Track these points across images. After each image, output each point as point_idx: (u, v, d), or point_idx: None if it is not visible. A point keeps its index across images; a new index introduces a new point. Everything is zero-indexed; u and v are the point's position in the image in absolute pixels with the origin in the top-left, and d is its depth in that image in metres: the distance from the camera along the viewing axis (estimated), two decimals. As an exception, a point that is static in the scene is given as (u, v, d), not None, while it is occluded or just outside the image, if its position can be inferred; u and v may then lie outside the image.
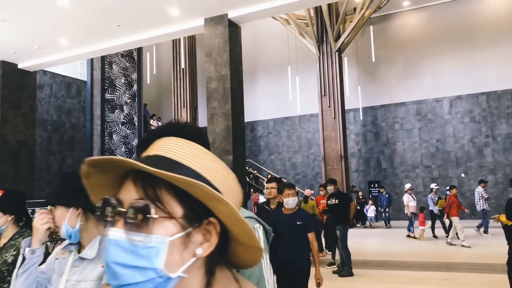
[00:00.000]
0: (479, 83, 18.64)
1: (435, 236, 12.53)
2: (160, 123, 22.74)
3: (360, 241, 12.88)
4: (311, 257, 4.49)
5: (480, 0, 18.96)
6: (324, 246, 10.54)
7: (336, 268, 8.27)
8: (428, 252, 10.30)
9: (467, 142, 18.79)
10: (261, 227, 2.13)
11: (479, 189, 12.52)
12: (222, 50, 10.74)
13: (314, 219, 4.73)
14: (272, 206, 4.72)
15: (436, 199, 12.61)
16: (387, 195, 16.86)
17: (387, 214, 16.71)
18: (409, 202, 13.10)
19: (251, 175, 19.87)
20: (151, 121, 23.32)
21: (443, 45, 19.31)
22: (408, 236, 13.03)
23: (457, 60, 19.04)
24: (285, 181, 20.51)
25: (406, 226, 13.36)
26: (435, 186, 13.32)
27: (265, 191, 4.76)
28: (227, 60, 10.65)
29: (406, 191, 13.53)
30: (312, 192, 11.23)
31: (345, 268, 7.84)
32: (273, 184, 4.69)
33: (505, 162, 17.92)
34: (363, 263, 9.06)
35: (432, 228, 12.69)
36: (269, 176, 18.87)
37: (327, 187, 8.33)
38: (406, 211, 13.31)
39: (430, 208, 12.79)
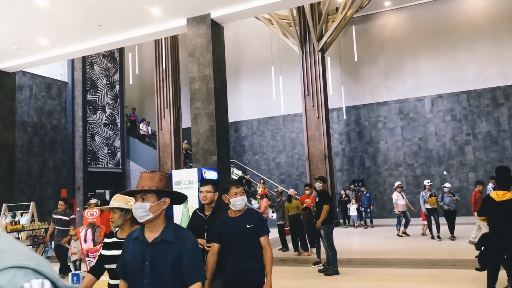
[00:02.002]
0: (459, 82, 18.94)
1: (438, 237, 11.54)
2: (149, 128, 22.50)
3: (345, 239, 12.95)
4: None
5: (460, 1, 19.26)
6: (309, 245, 10.57)
7: (322, 267, 8.29)
8: (413, 249, 10.40)
9: (448, 140, 19.07)
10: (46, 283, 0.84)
11: (490, 186, 11.24)
12: (205, 50, 10.69)
13: (265, 221, 3.89)
14: (207, 213, 4.09)
15: (428, 196, 11.82)
16: (367, 194, 16.47)
17: (368, 213, 16.33)
18: (398, 200, 12.75)
19: (243, 180, 19.80)
20: (141, 126, 23.04)
21: (424, 45, 19.57)
22: (399, 235, 12.74)
23: (438, 59, 19.31)
24: (270, 181, 20.53)
25: (393, 224, 13.40)
26: (429, 182, 12.21)
27: (201, 196, 4.12)
28: (210, 60, 10.61)
29: (395, 189, 13.15)
30: (296, 192, 11.21)
31: (330, 267, 7.86)
32: (208, 187, 4.08)
33: (486, 160, 18.24)
34: (348, 261, 9.10)
35: (429, 227, 11.91)
36: (262, 180, 18.81)
37: (316, 184, 8.30)
38: (395, 209, 12.95)
39: (422, 207, 12.01)
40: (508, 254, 5.67)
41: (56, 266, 9.17)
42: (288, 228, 11.10)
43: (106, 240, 3.54)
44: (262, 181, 18.64)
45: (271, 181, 21.25)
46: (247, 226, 3.52)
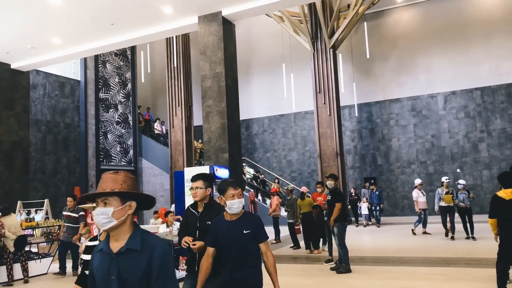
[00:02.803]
0: (473, 79, 18.69)
1: (452, 238, 11.22)
2: (163, 127, 22.57)
3: (357, 237, 12.89)
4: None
5: (474, -5, 19.00)
6: (321, 243, 10.54)
7: (334, 265, 8.26)
8: (426, 247, 10.31)
9: (462, 137, 18.85)
10: None
11: None
12: (216, 48, 10.70)
13: (263, 226, 3.49)
14: (200, 209, 3.84)
15: (444, 193, 11.38)
16: (377, 192, 16.03)
17: (377, 212, 15.92)
18: (419, 198, 12.51)
19: (258, 179, 19.78)
20: (155, 125, 23.09)
21: (437, 41, 19.35)
22: (414, 232, 12.59)
23: (451, 55, 19.08)
24: (281, 178, 20.50)
25: (405, 222, 13.28)
26: (447, 179, 11.77)
27: (191, 191, 3.87)
28: (222, 58, 10.61)
29: (415, 187, 12.76)
30: (308, 190, 11.17)
31: (342, 265, 7.83)
32: (199, 183, 3.77)
33: (500, 157, 17.99)
34: (360, 259, 9.07)
35: (444, 225, 11.52)
36: (276, 180, 18.73)
37: (327, 181, 8.24)
38: (415, 207, 12.66)
39: (437, 205, 11.60)
40: (507, 255, 5.51)
41: (55, 265, 9.30)
42: (299, 226, 11.10)
43: (88, 243, 3.50)
44: (276, 180, 18.53)
45: (283, 178, 21.22)
46: (244, 231, 3.24)
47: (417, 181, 13.03)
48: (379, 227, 15.46)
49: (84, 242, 8.31)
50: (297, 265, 9.08)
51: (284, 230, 12.28)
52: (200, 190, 3.76)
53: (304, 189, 10.86)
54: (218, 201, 3.44)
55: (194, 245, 3.60)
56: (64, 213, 9.16)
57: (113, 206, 2.03)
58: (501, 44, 18.27)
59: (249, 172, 20.79)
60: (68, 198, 9.22)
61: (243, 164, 20.57)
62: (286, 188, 13.32)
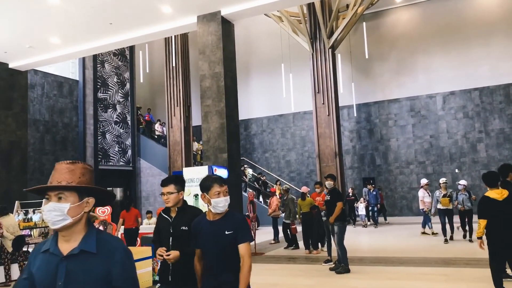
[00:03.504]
0: (471, 79, 18.71)
1: (451, 238, 10.94)
2: (164, 129, 22.51)
3: (355, 237, 12.88)
4: None
5: (472, -4, 19.02)
6: (320, 243, 10.53)
7: (333, 265, 8.24)
8: (425, 248, 10.30)
9: (460, 137, 18.86)
10: None
11: None
12: (215, 48, 10.68)
13: (248, 226, 3.24)
14: (173, 214, 3.60)
15: (441, 196, 10.94)
16: (374, 192, 15.85)
17: (375, 212, 15.78)
18: (425, 198, 12.28)
19: (260, 181, 19.70)
20: (156, 126, 22.97)
21: (436, 41, 19.36)
22: (424, 233, 12.42)
23: (450, 56, 19.10)
24: (281, 179, 20.46)
25: (404, 223, 13.27)
26: (444, 181, 11.28)
27: (163, 198, 3.63)
28: (221, 58, 10.59)
29: (422, 187, 12.46)
30: (309, 189, 11.14)
31: (341, 265, 7.81)
32: (170, 188, 3.53)
33: (499, 157, 18.01)
34: (360, 259, 9.05)
35: (442, 229, 10.94)
36: (278, 182, 18.66)
37: (326, 182, 8.23)
38: (421, 207, 12.37)
39: (434, 208, 11.36)
40: (502, 253, 5.53)
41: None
42: (295, 226, 11.08)
43: None
44: (278, 182, 18.48)
45: (281, 179, 21.20)
46: (226, 232, 3.00)
47: (423, 181, 12.75)
48: (376, 227, 15.40)
49: None
50: (296, 265, 9.07)
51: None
52: (172, 195, 3.52)
53: (304, 189, 10.85)
54: (201, 199, 3.17)
55: (168, 255, 3.35)
56: None
57: (69, 202, 1.77)
58: (500, 45, 18.29)
59: (249, 173, 20.74)
60: None
61: (244, 165, 20.58)
62: (282, 188, 13.28)
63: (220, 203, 3.05)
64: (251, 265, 2.99)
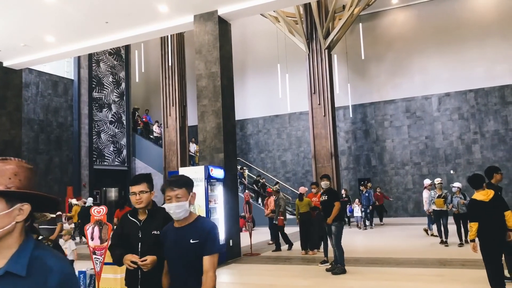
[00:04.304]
0: (467, 81, 18.79)
1: (445, 243, 10.62)
2: (161, 129, 22.39)
3: (352, 238, 12.87)
4: None
5: (468, -2, 19.11)
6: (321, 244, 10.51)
7: (329, 266, 8.22)
8: (421, 249, 10.31)
9: (455, 139, 18.93)
10: None
11: None
12: (212, 47, 10.63)
13: (216, 237, 2.76)
14: (141, 217, 3.20)
15: (436, 197, 10.70)
16: (367, 194, 15.59)
17: (367, 214, 15.52)
18: (429, 199, 11.76)
19: (259, 183, 19.58)
20: (154, 128, 22.78)
21: (432, 43, 19.42)
22: (434, 235, 12.01)
23: (446, 57, 19.17)
24: (276, 179, 20.43)
25: (400, 224, 13.23)
26: (439, 181, 11.01)
27: (133, 198, 3.21)
28: (217, 57, 10.55)
29: (425, 187, 12.18)
30: (306, 189, 11.11)
31: (338, 266, 7.79)
32: (143, 186, 3.15)
33: (493, 159, 18.08)
34: (356, 260, 9.04)
35: (438, 231, 10.90)
36: (277, 185, 18.51)
37: (322, 182, 8.21)
38: (425, 208, 11.94)
39: (427, 205, 11.28)
40: (496, 252, 5.58)
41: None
42: (281, 218, 11.04)
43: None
44: (277, 185, 18.35)
45: (277, 179, 21.19)
46: (191, 241, 2.66)
47: (427, 181, 12.47)
48: (369, 228, 15.16)
49: (63, 245, 7.83)
50: (292, 266, 9.04)
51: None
52: (145, 195, 3.14)
53: (302, 189, 10.82)
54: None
55: (144, 260, 2.94)
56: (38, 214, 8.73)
57: None
58: (495, 47, 18.38)
59: (248, 175, 20.65)
60: None
61: (244, 167, 20.52)
62: (268, 188, 13.21)
63: (170, 209, 2.69)
64: (215, 282, 2.61)
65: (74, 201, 14.32)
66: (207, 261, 2.64)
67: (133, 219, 3.23)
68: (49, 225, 8.26)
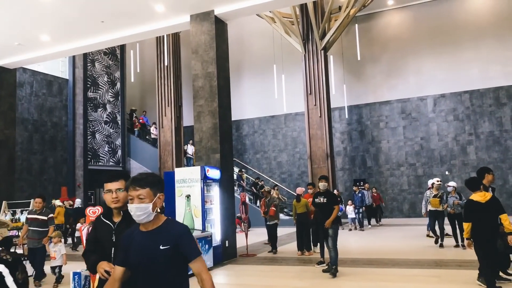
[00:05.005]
0: (462, 82, 18.87)
1: (441, 245, 10.43)
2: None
3: (347, 239, 12.86)
4: None
5: (463, 0, 19.20)
6: (312, 244, 10.48)
7: (326, 267, 8.18)
8: (417, 249, 10.30)
9: (450, 140, 18.99)
10: None
11: None
12: (208, 47, 10.59)
13: (192, 238, 2.51)
14: (116, 219, 2.92)
15: (431, 197, 10.44)
16: (360, 194, 15.42)
17: (360, 215, 15.28)
18: (424, 199, 11.38)
19: (257, 186, 19.44)
20: (152, 129, 22.53)
21: (427, 44, 19.49)
22: (428, 235, 11.85)
23: (441, 59, 19.23)
24: (271, 180, 20.38)
25: (395, 224, 13.20)
26: (438, 181, 10.71)
27: (108, 197, 2.94)
28: (214, 57, 10.50)
29: (429, 188, 11.55)
30: (303, 190, 11.06)
31: (333, 267, 7.73)
32: (120, 184, 2.88)
33: (488, 160, 18.16)
34: (352, 261, 9.02)
35: (433, 230, 10.78)
36: (276, 187, 18.25)
37: (320, 183, 8.15)
38: (423, 211, 11.54)
39: (424, 208, 10.94)
40: (491, 252, 5.87)
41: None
42: (273, 208, 10.78)
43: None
44: (276, 187, 18.25)
45: (272, 180, 21.16)
46: (161, 247, 2.37)
47: (431, 181, 11.77)
48: (362, 230, 14.91)
49: (53, 248, 7.72)
50: (288, 266, 9.01)
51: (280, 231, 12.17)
52: (123, 193, 2.85)
53: (299, 190, 10.79)
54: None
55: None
56: (30, 216, 8.07)
57: None
58: (490, 49, 18.47)
59: (247, 177, 20.56)
60: (37, 199, 8.06)
61: (242, 170, 20.46)
62: (263, 189, 13.11)
63: (131, 210, 2.42)
64: (212, 281, 2.42)
65: (57, 202, 13.94)
66: (196, 266, 2.42)
67: (107, 221, 2.95)
68: (41, 227, 7.91)
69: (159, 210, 2.53)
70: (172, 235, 2.42)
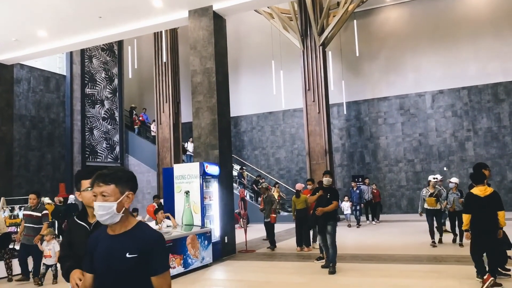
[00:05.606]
0: (460, 78, 18.86)
1: (440, 241, 10.26)
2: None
3: (346, 236, 12.87)
4: None
5: (462, -5, 19.15)
6: (311, 239, 10.48)
7: (325, 262, 8.15)
8: (417, 245, 10.32)
9: (449, 136, 19.01)
10: None
11: None
12: (207, 43, 10.55)
13: (165, 248, 2.19)
14: (92, 220, 2.71)
15: (428, 195, 10.11)
16: (357, 191, 15.32)
17: (357, 212, 15.14)
18: (420, 198, 10.92)
19: (259, 183, 19.33)
20: (152, 127, 22.34)
21: (425, 40, 19.46)
22: (445, 230, 11.14)
23: (439, 55, 19.22)
24: (270, 176, 20.34)
25: (393, 220, 13.21)
26: (434, 178, 10.42)
27: (88, 194, 2.70)
28: (212, 53, 10.47)
29: (435, 183, 11.01)
30: (303, 186, 11.03)
31: (331, 264, 7.70)
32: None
33: (486, 156, 18.18)
34: (352, 257, 9.04)
35: (430, 231, 10.15)
36: (277, 185, 18.16)
37: (324, 178, 8.11)
38: (419, 211, 11.05)
39: (421, 207, 10.49)
40: (489, 247, 6.06)
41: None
42: (274, 215, 10.77)
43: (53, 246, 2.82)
44: (277, 185, 18.21)
45: (271, 176, 21.16)
46: (128, 255, 2.07)
47: (438, 177, 11.27)
48: (359, 227, 14.82)
49: (46, 246, 7.63)
50: (288, 262, 9.01)
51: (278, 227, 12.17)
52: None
53: (299, 186, 10.77)
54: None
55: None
56: (25, 212, 8.02)
57: None
58: (488, 45, 18.45)
59: (246, 174, 20.52)
60: (31, 195, 7.90)
61: (243, 167, 20.43)
62: (260, 186, 13.08)
63: (94, 209, 2.15)
64: None
65: (46, 199, 13.67)
66: (156, 281, 2.09)
67: (82, 223, 2.72)
68: (35, 224, 7.82)
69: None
70: (142, 242, 2.11)
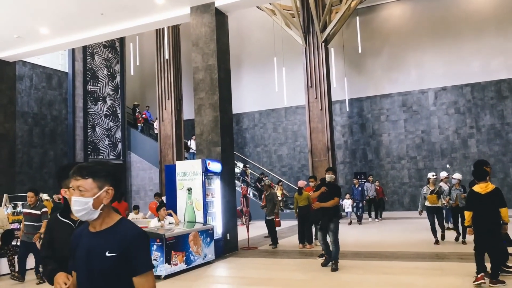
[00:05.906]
0: (463, 75, 18.78)
1: (442, 237, 10.11)
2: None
3: (348, 233, 12.85)
4: None
5: (465, -9, 19.05)
6: (314, 236, 10.47)
7: (324, 260, 8.10)
8: (419, 242, 10.29)
9: (452, 133, 18.95)
10: None
11: None
12: (209, 40, 10.52)
13: (147, 246, 2.01)
14: (76, 217, 2.47)
15: (429, 192, 9.94)
16: (359, 188, 15.23)
17: (359, 209, 15.05)
18: (421, 195, 10.83)
19: (262, 181, 19.27)
20: (155, 125, 22.25)
21: (428, 37, 19.38)
22: (448, 228, 11.24)
23: (442, 51, 19.14)
24: (272, 173, 20.32)
25: (395, 218, 13.20)
26: (433, 175, 10.27)
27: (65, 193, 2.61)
28: (214, 50, 10.44)
29: (441, 180, 10.94)
30: (305, 183, 11.01)
31: (333, 262, 7.68)
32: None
33: (489, 153, 18.13)
34: (354, 254, 9.03)
35: (432, 229, 10.00)
36: (280, 183, 18.14)
37: (327, 175, 8.10)
38: (419, 210, 10.91)
39: (421, 206, 10.30)
40: (491, 245, 6.05)
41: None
42: (278, 219, 10.74)
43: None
44: (280, 183, 18.15)
45: (273, 173, 21.14)
46: (108, 254, 1.95)
47: (443, 174, 11.33)
48: (360, 224, 14.74)
49: None
50: (290, 259, 9.01)
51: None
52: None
53: (301, 183, 10.74)
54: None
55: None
56: (24, 210, 7.96)
57: None
58: (491, 41, 18.37)
59: (250, 172, 20.49)
60: (29, 193, 7.78)
61: (247, 165, 20.40)
62: (263, 183, 13.06)
63: (72, 204, 2.02)
64: None
65: (45, 196, 13.63)
66: (142, 281, 1.96)
67: (67, 221, 2.60)
68: (34, 222, 7.74)
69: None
70: (123, 239, 1.97)
